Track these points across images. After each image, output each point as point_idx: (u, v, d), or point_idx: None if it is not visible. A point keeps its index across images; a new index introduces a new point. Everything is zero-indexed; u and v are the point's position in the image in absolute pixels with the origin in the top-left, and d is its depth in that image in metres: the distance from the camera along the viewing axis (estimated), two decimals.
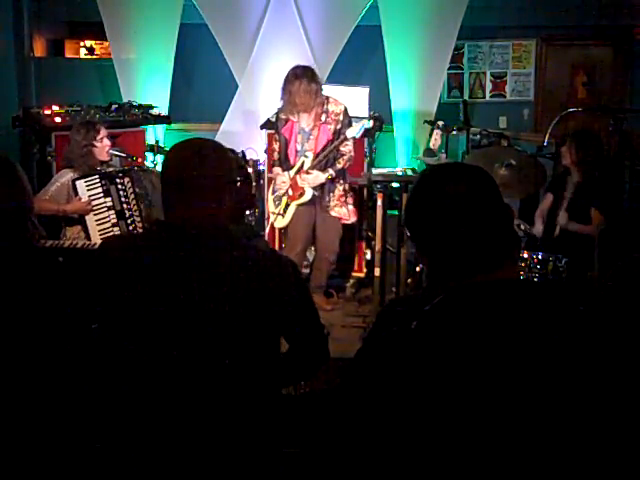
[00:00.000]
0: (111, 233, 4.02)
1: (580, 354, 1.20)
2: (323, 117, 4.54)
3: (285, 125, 4.64)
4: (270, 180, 5.70)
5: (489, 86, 7.79)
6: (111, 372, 1.77)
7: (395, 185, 5.85)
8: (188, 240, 1.73)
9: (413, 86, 6.76)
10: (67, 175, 4.08)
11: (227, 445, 1.71)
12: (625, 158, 4.74)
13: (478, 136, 6.27)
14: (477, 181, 1.30)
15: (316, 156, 4.55)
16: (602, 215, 4.06)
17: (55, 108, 5.41)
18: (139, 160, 4.69)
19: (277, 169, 4.73)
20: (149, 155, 5.87)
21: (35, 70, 6.89)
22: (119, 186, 4.08)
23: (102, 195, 4.05)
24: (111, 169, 4.22)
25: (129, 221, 4.09)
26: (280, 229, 4.90)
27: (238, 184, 1.91)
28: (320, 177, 4.56)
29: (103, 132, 4.20)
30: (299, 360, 1.91)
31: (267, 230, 5.07)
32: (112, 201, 4.06)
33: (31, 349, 1.82)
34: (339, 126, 4.54)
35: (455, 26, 6.60)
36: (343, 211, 4.71)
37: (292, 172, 4.63)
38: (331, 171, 4.57)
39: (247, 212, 5.33)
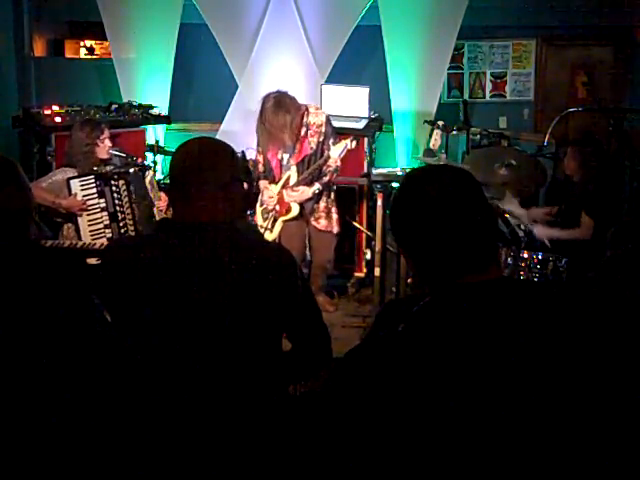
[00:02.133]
0: (102, 235, 4.04)
1: (567, 353, 1.19)
2: (303, 130, 4.45)
3: (266, 145, 4.53)
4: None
5: (489, 86, 7.79)
6: (118, 370, 1.78)
7: (395, 185, 5.84)
8: (196, 237, 1.74)
9: (413, 86, 6.76)
10: (64, 173, 4.08)
11: (230, 442, 1.71)
12: (625, 158, 4.74)
13: (478, 136, 6.28)
14: (459, 182, 1.29)
15: (300, 170, 4.48)
16: (592, 219, 4.01)
17: (55, 108, 5.40)
18: (139, 160, 4.70)
19: (264, 182, 4.66)
20: (149, 155, 5.87)
21: (35, 70, 6.89)
22: (113, 188, 4.09)
23: (96, 196, 4.05)
24: (109, 168, 4.22)
25: (121, 224, 4.10)
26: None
27: (244, 183, 1.94)
28: (307, 192, 4.49)
29: (107, 132, 4.21)
30: (302, 359, 1.91)
31: None
32: (106, 203, 4.07)
33: (33, 348, 1.82)
34: (322, 138, 4.45)
35: (455, 26, 6.60)
36: (325, 222, 4.67)
37: (278, 186, 4.57)
38: (318, 185, 4.50)
39: (247, 212, 5.33)
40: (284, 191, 4.55)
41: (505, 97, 7.80)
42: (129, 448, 1.74)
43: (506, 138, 6.28)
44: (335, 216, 4.73)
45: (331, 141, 4.49)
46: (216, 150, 1.83)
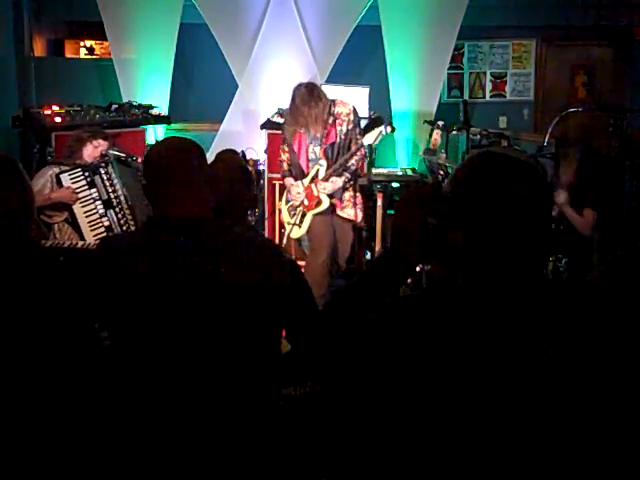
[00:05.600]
0: (100, 224, 4.07)
1: (582, 353, 1.21)
2: (331, 120, 4.50)
3: (294, 136, 4.59)
4: (270, 181, 5.71)
5: (489, 86, 7.79)
6: (115, 370, 1.78)
7: (395, 185, 5.85)
8: (186, 234, 1.74)
9: (413, 86, 6.76)
10: (50, 170, 4.10)
11: (228, 443, 1.71)
12: (625, 158, 4.74)
13: (478, 136, 6.27)
14: (542, 188, 1.28)
15: (328, 162, 4.50)
16: (594, 211, 4.03)
17: (55, 108, 5.41)
18: (139, 160, 4.70)
19: (289, 180, 4.66)
20: None
21: (35, 70, 6.88)
22: (103, 176, 4.12)
23: (87, 187, 4.08)
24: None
25: (117, 209, 4.14)
26: (296, 240, 4.85)
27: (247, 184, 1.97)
28: (338, 182, 4.52)
29: (103, 145, 4.20)
30: (301, 360, 1.91)
31: (284, 242, 4.89)
32: (97, 191, 4.10)
33: (33, 348, 1.82)
34: (350, 126, 4.51)
35: (455, 26, 6.60)
36: (352, 212, 4.67)
37: (306, 181, 4.58)
38: (347, 174, 4.54)
39: (249, 212, 5.32)
40: (313, 185, 4.55)
41: (505, 97, 7.80)
42: (127, 450, 1.74)
43: (506, 138, 6.27)
44: (360, 206, 4.74)
45: (357, 131, 4.55)
46: (194, 148, 1.85)
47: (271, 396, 1.82)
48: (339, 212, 4.65)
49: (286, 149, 4.66)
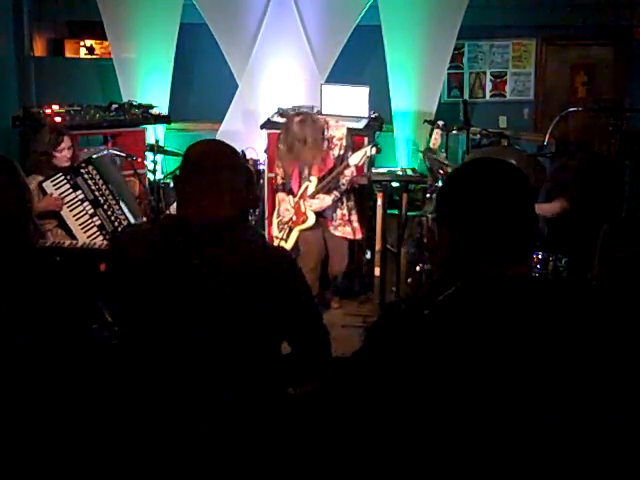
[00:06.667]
0: (91, 224, 4.08)
1: (583, 352, 1.22)
2: (325, 145, 4.45)
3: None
4: (270, 181, 5.71)
5: (489, 86, 7.79)
6: (116, 372, 1.78)
7: (395, 185, 5.84)
8: (202, 235, 1.76)
9: (413, 86, 6.76)
10: (33, 181, 4.03)
11: (230, 442, 1.72)
12: (625, 158, 4.74)
13: (478, 136, 6.27)
14: (520, 183, 1.35)
15: (320, 181, 4.49)
16: (567, 201, 4.03)
17: (55, 108, 5.41)
18: (139, 160, 4.70)
19: (282, 194, 4.67)
20: (149, 155, 5.87)
21: (35, 70, 6.89)
22: (85, 176, 4.11)
23: (71, 190, 4.07)
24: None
25: (105, 207, 4.14)
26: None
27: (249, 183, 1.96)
28: (326, 200, 4.50)
29: (66, 142, 4.16)
30: (300, 362, 1.90)
31: None
32: (83, 193, 4.10)
33: (31, 349, 1.82)
34: (342, 151, 4.49)
35: (455, 26, 6.60)
36: (347, 230, 4.66)
37: (296, 197, 4.58)
38: (336, 192, 4.52)
39: (251, 211, 5.33)
40: (301, 201, 4.55)
41: (505, 97, 7.80)
42: (128, 450, 1.74)
43: (506, 138, 6.27)
44: (355, 224, 4.72)
45: (350, 154, 4.52)
46: (229, 152, 1.86)
47: (272, 396, 1.82)
48: (333, 231, 4.63)
49: (280, 164, 4.65)
